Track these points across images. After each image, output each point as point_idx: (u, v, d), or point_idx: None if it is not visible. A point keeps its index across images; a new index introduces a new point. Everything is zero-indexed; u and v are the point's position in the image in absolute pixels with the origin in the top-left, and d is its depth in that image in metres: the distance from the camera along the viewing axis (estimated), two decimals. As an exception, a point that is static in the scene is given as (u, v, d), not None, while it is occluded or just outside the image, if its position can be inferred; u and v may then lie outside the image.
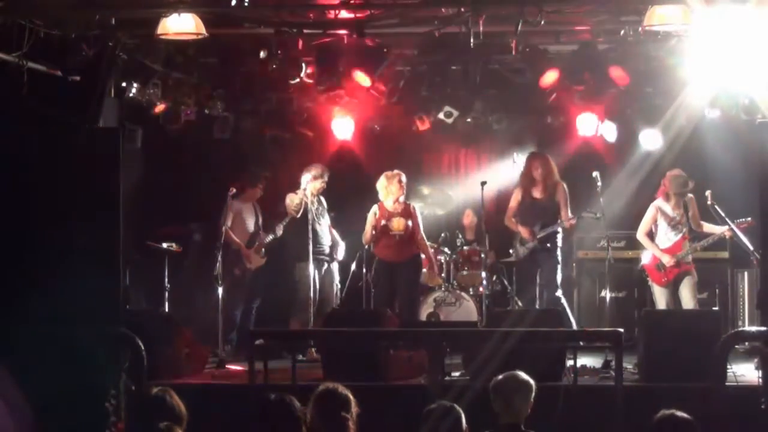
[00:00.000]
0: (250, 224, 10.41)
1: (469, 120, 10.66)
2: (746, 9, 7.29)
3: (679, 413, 5.04)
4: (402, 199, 9.87)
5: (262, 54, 9.05)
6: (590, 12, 8.66)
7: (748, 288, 10.31)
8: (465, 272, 10.89)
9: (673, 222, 9.54)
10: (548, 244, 9.84)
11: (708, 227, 9.60)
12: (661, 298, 9.55)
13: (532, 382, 5.65)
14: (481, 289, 10.42)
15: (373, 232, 9.81)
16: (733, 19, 7.34)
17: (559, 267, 9.85)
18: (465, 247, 11.08)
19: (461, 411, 5.25)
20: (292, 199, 10.02)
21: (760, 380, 7.89)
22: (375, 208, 9.89)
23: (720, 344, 8.35)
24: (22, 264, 7.33)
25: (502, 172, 11.79)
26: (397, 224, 9.80)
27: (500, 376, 5.68)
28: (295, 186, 10.12)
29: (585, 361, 8.98)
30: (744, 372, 8.61)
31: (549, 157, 10.02)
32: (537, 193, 9.93)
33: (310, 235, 9.74)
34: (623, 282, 10.47)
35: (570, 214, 9.78)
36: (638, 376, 8.46)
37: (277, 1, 8.41)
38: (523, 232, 9.89)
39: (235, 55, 9.47)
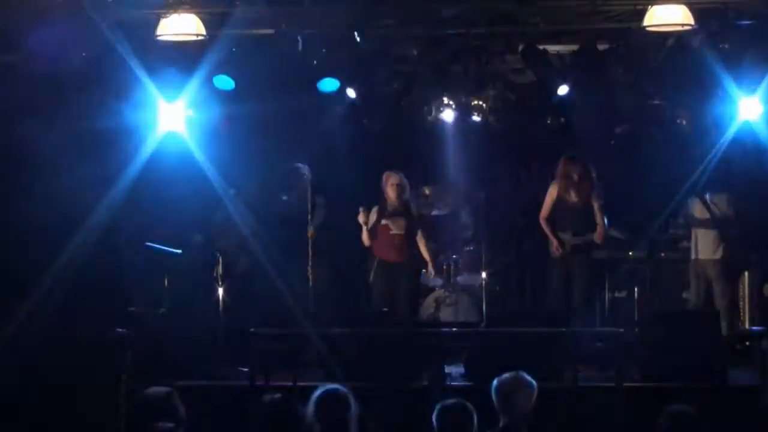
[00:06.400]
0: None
1: (469, 120, 10.67)
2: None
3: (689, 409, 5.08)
4: (404, 198, 9.80)
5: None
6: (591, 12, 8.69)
7: (748, 288, 10.31)
8: (465, 272, 10.88)
9: None
10: (584, 251, 9.67)
11: None
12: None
13: (533, 382, 5.65)
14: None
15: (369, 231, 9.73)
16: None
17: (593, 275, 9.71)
18: (465, 248, 11.08)
19: (473, 409, 5.26)
20: None
21: (761, 380, 7.93)
22: (375, 208, 9.82)
23: (720, 344, 8.41)
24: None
25: (502, 173, 11.80)
26: (397, 224, 9.76)
27: (502, 376, 5.68)
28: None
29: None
30: (744, 372, 8.62)
31: (588, 160, 9.75)
32: (572, 197, 9.68)
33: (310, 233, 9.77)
34: (623, 282, 10.46)
35: (601, 224, 9.58)
36: (638, 376, 8.46)
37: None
38: (552, 243, 9.69)
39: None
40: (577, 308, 9.44)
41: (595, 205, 9.63)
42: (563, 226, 9.68)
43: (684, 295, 10.30)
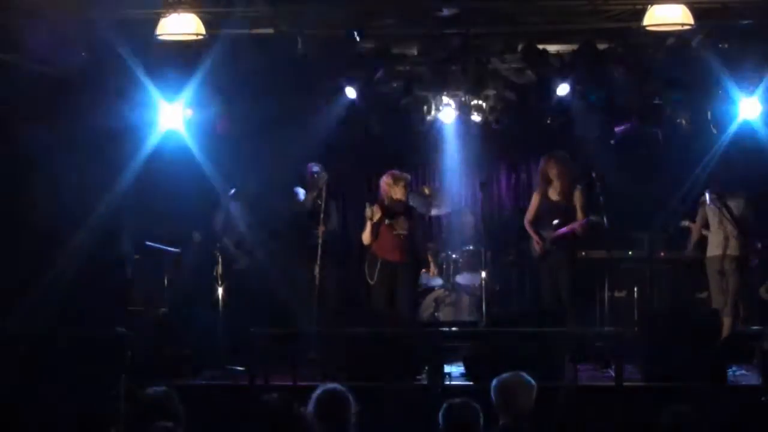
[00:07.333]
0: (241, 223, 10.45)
1: (469, 120, 10.66)
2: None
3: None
4: (407, 198, 9.81)
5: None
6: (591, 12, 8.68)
7: (747, 288, 10.29)
8: (465, 272, 10.87)
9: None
10: (565, 247, 9.67)
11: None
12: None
13: (533, 381, 5.65)
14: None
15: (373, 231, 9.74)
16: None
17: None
18: (465, 247, 11.07)
19: (479, 409, 5.25)
20: None
21: (761, 379, 7.94)
22: (376, 207, 9.80)
23: (720, 344, 8.41)
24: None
25: (502, 173, 11.80)
26: (401, 224, 9.74)
27: (502, 376, 5.68)
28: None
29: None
30: (744, 372, 8.62)
31: (566, 157, 9.75)
32: (554, 195, 9.71)
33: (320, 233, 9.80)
34: (623, 282, 10.46)
35: (582, 218, 9.59)
36: (638, 376, 8.45)
37: None
38: (533, 240, 9.73)
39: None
40: (568, 305, 9.44)
41: (577, 203, 9.65)
42: (548, 225, 9.71)
43: (682, 295, 10.31)
